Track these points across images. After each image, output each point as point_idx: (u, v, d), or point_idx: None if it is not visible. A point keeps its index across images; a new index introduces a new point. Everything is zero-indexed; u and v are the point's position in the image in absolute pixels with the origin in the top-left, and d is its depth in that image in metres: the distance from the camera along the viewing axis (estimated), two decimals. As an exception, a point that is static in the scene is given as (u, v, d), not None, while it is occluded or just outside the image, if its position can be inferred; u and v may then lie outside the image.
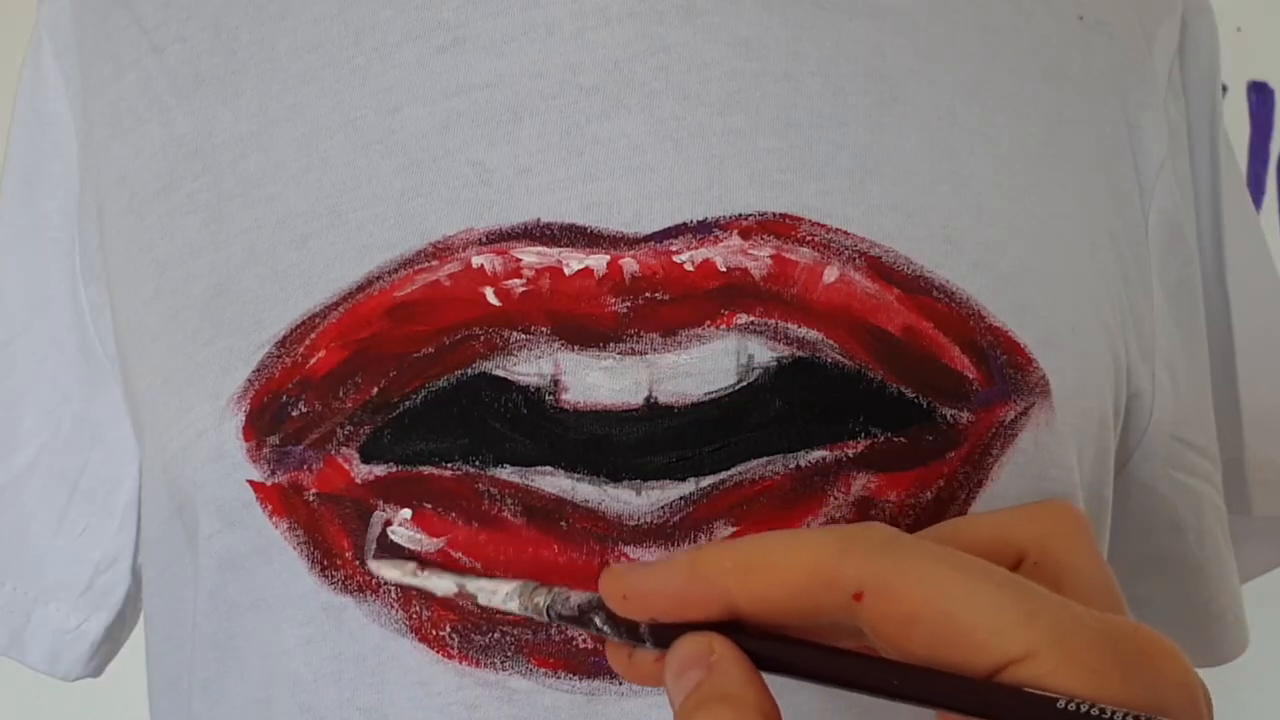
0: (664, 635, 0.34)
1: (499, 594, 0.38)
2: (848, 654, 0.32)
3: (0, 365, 0.54)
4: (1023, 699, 0.29)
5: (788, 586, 0.32)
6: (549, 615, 0.37)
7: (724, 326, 0.41)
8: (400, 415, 0.41)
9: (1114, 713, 0.28)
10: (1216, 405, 0.54)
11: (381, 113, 0.44)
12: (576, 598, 0.36)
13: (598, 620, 0.35)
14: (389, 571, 0.40)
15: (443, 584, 0.39)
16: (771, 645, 0.33)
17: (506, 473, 0.41)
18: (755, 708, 0.31)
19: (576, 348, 0.41)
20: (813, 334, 0.41)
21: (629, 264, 0.41)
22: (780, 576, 0.32)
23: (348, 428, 0.41)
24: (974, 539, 0.34)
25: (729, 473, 0.41)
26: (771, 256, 0.41)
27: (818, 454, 0.41)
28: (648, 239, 0.41)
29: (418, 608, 0.41)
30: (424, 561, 0.40)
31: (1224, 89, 0.71)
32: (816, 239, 0.42)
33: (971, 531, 0.35)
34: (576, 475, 0.40)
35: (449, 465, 0.41)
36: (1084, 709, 0.28)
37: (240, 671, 0.44)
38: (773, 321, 0.41)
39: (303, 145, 0.44)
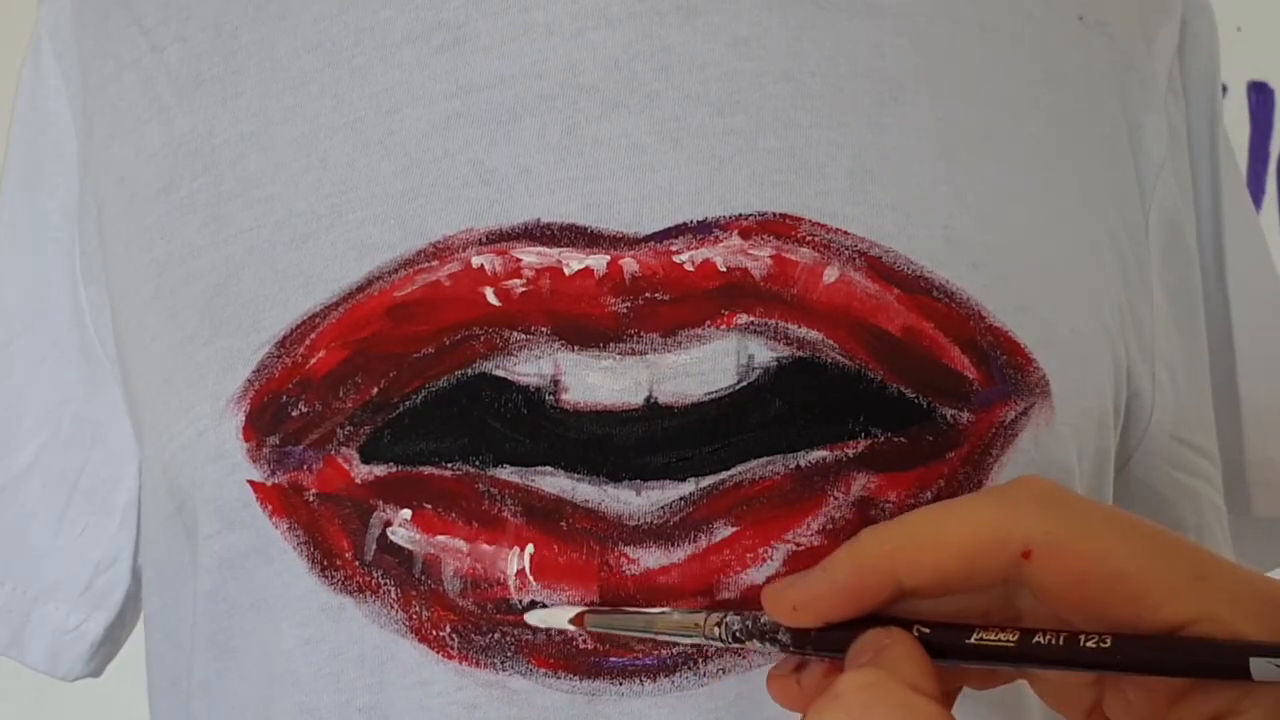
0: (833, 641, 0.34)
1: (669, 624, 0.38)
2: (1038, 632, 0.32)
3: (0, 365, 0.54)
4: (1217, 650, 0.29)
5: (956, 556, 0.32)
6: (724, 638, 0.36)
7: (724, 326, 0.41)
8: (400, 415, 0.41)
9: None
10: (1216, 405, 0.54)
11: (381, 113, 0.44)
12: (734, 620, 0.36)
13: (779, 636, 0.35)
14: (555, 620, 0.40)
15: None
16: (954, 633, 0.33)
17: (506, 473, 0.41)
18: (904, 677, 0.31)
19: (576, 348, 0.41)
20: (813, 334, 0.41)
21: (629, 264, 0.41)
22: (948, 547, 0.32)
23: (348, 428, 0.41)
24: None
25: (729, 473, 0.41)
26: (771, 256, 0.41)
27: (818, 454, 0.41)
28: (648, 239, 0.41)
29: (417, 608, 0.41)
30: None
31: (1224, 89, 0.71)
32: (816, 239, 0.42)
33: None
34: (576, 475, 0.40)
35: (449, 465, 0.41)
36: None
37: (240, 671, 0.44)
38: (773, 321, 0.41)
39: (303, 145, 0.44)
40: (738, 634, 0.36)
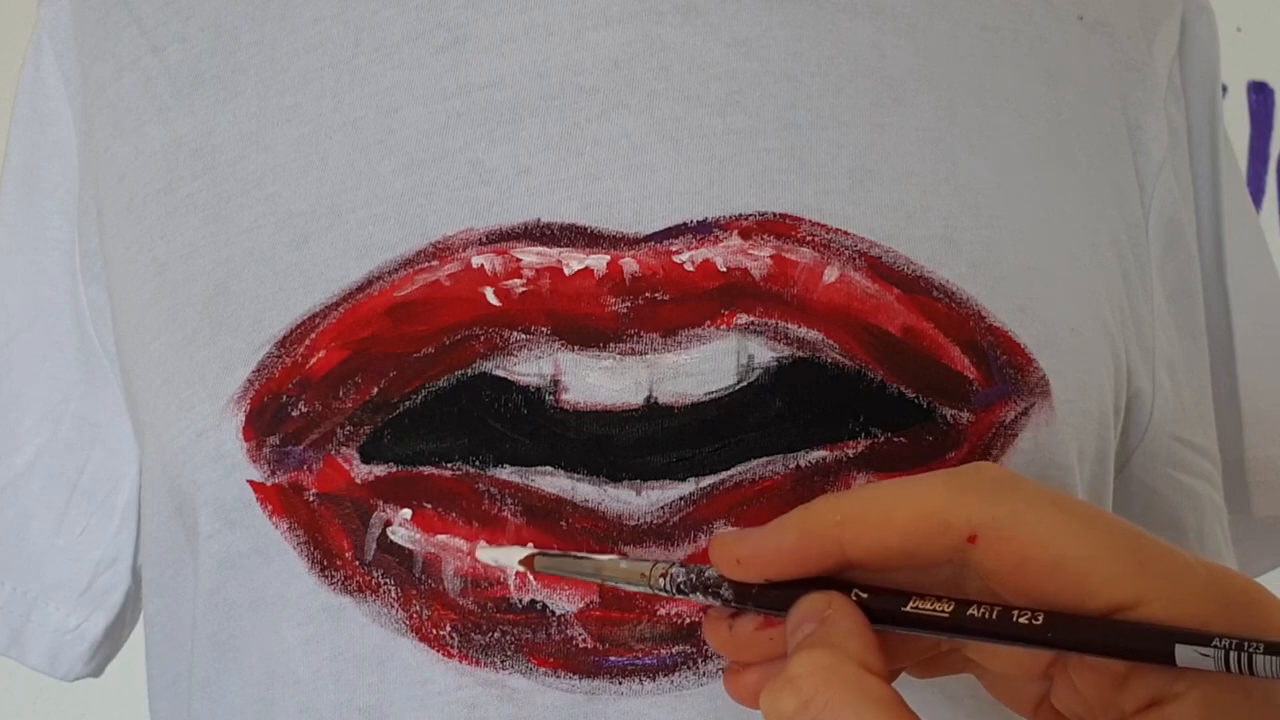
0: (773, 599, 0.34)
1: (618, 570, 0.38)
2: (973, 604, 0.32)
3: (0, 365, 0.54)
4: (1145, 634, 0.30)
5: (901, 534, 0.33)
6: (668, 589, 0.36)
7: (724, 326, 0.41)
8: (400, 415, 0.41)
9: (1240, 641, 0.29)
10: (1216, 405, 0.54)
11: (381, 113, 0.44)
12: (679, 573, 0.36)
13: (722, 591, 0.35)
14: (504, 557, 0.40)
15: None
16: (891, 599, 0.33)
17: (506, 473, 0.41)
18: (856, 656, 0.31)
19: (576, 348, 0.41)
20: (813, 334, 0.41)
21: (629, 264, 0.41)
22: (894, 526, 0.33)
23: (348, 428, 0.41)
24: None
25: (729, 473, 0.41)
26: (771, 256, 0.41)
27: (818, 454, 0.41)
28: (648, 239, 0.41)
29: (418, 607, 0.41)
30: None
31: (1224, 89, 0.71)
32: (816, 239, 0.42)
33: None
34: (576, 475, 0.40)
35: (449, 465, 0.41)
36: (1220, 643, 0.29)
37: (240, 671, 0.44)
38: (773, 321, 0.41)
39: (303, 145, 0.45)
40: (681, 586, 0.36)
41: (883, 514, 0.33)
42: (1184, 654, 0.30)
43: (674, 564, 0.36)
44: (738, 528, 0.37)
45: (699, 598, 0.36)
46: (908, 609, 0.33)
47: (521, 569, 0.39)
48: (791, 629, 0.33)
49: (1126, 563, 0.31)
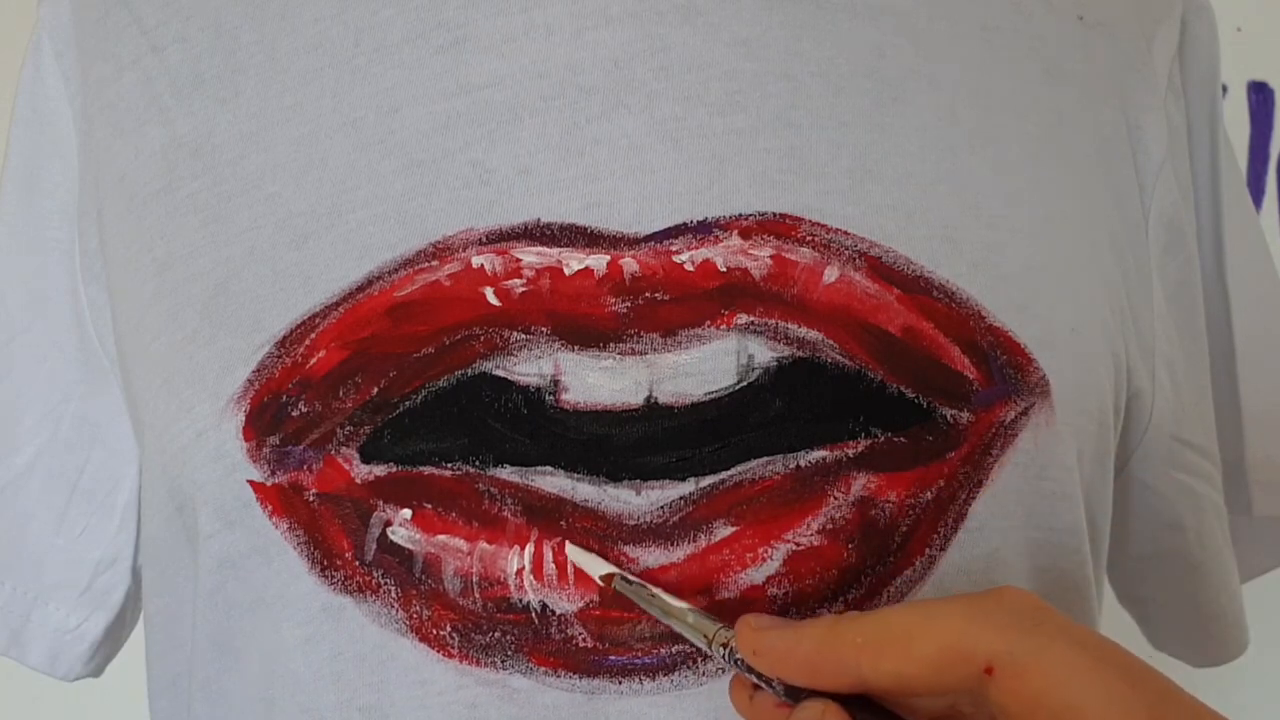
0: (792, 690, 0.35)
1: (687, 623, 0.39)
2: None
3: (0, 365, 0.54)
4: None
5: (920, 663, 0.33)
6: (725, 658, 0.38)
7: (724, 326, 0.41)
8: (400, 415, 0.41)
9: None
10: (1216, 405, 0.54)
11: (381, 113, 0.44)
12: (737, 648, 0.37)
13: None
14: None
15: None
16: None
17: (506, 473, 0.41)
18: None
19: (576, 348, 0.41)
20: (813, 334, 0.41)
21: (629, 264, 0.41)
22: (913, 652, 0.33)
23: (348, 428, 0.41)
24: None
25: (729, 472, 0.41)
26: (771, 256, 0.41)
27: (818, 454, 0.41)
28: (648, 239, 0.41)
29: (418, 607, 0.41)
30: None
31: (1224, 89, 0.71)
32: (817, 239, 0.42)
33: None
34: (576, 475, 0.40)
35: (449, 465, 0.41)
36: None
37: (240, 671, 0.44)
38: (773, 321, 0.41)
39: (303, 145, 0.45)
40: (738, 661, 0.37)
41: (903, 641, 0.33)
42: None
43: (735, 635, 0.37)
44: (765, 615, 0.37)
45: (742, 669, 0.37)
46: None
47: (600, 582, 0.40)
48: None
49: (1142, 715, 0.30)
